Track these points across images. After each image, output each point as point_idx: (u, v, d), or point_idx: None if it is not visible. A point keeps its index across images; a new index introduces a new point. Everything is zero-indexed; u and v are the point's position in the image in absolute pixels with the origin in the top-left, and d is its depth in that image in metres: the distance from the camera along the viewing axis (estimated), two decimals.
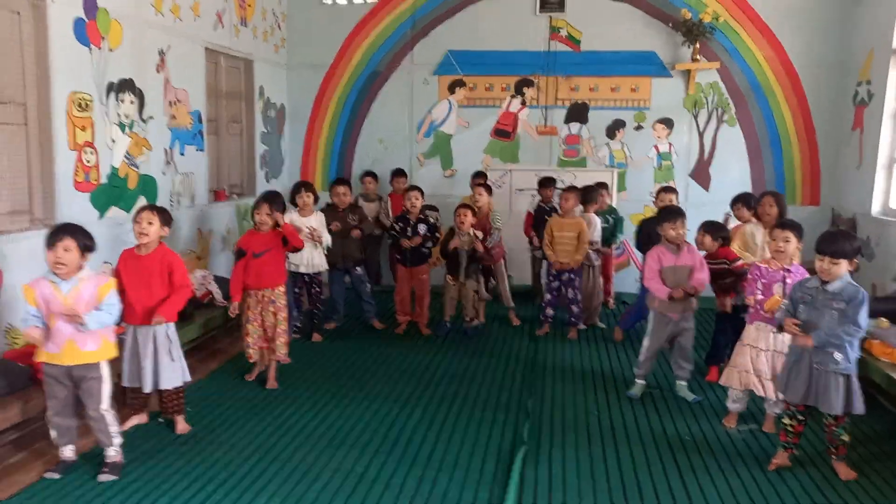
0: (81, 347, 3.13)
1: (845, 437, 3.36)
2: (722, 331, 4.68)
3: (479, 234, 5.51)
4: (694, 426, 3.98)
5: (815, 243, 3.32)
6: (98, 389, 3.19)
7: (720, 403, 4.25)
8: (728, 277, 4.46)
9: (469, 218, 5.46)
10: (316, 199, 5.51)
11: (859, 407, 3.26)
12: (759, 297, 3.79)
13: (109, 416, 3.24)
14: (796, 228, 3.80)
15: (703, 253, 4.48)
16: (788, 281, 3.71)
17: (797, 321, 3.31)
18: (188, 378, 3.73)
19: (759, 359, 3.84)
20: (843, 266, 3.22)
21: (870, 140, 6.07)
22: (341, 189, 5.75)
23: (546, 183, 6.35)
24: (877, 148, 5.90)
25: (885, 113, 5.81)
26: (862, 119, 6.27)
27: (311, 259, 5.34)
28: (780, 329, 3.44)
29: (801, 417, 3.45)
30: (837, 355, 3.22)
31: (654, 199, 5.92)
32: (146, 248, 3.58)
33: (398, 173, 6.98)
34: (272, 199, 4.55)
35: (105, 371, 3.22)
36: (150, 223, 3.55)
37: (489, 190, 6.10)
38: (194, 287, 4.90)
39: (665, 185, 6.22)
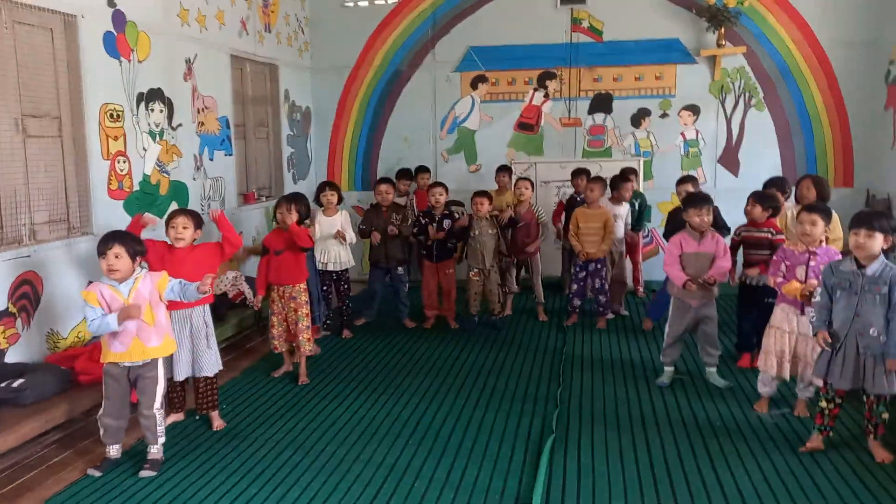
0: (146, 344, 3.29)
1: (885, 415, 3.31)
2: (746, 317, 4.65)
3: (497, 213, 5.56)
4: (725, 411, 3.95)
5: (850, 220, 3.28)
6: (153, 389, 3.33)
7: (751, 388, 4.21)
8: (765, 249, 4.41)
9: (486, 206, 5.50)
10: (340, 198, 5.60)
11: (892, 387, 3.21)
12: (781, 279, 3.75)
13: (159, 416, 3.37)
14: (824, 211, 3.75)
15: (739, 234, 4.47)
16: (812, 264, 3.68)
17: (827, 337, 3.26)
18: (221, 366, 3.85)
19: (782, 340, 3.82)
20: (879, 240, 3.16)
21: None
22: (383, 187, 5.77)
23: (578, 174, 6.32)
24: None
25: None
26: (895, 98, 6.11)
27: (339, 257, 5.43)
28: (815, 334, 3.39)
29: (839, 400, 3.41)
30: (883, 338, 3.18)
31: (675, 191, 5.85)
32: (181, 251, 3.72)
33: (421, 169, 7.02)
34: (292, 199, 4.64)
35: (161, 371, 3.37)
36: (186, 227, 3.69)
37: (532, 185, 6.09)
38: (227, 287, 5.02)
39: (684, 174, 6.11)
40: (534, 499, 2.98)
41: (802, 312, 3.76)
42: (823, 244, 3.77)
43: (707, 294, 4.28)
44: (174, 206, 5.15)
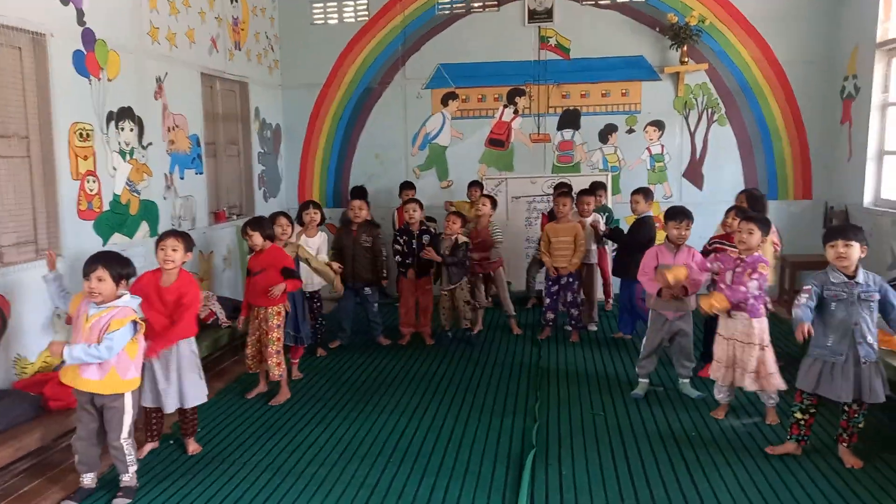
0: (81, 373, 3.13)
1: (861, 424, 3.42)
2: (712, 329, 4.73)
3: (463, 239, 5.58)
4: (699, 422, 4.04)
5: (823, 235, 3.43)
6: (119, 420, 3.22)
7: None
8: None
9: (457, 225, 5.53)
10: (323, 218, 5.59)
11: (887, 389, 3.37)
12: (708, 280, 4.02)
13: (127, 446, 3.27)
14: (762, 222, 3.89)
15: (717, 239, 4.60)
16: (738, 270, 3.84)
17: (810, 329, 3.32)
18: (206, 397, 3.79)
19: (727, 346, 3.95)
20: (857, 249, 3.29)
21: (858, 133, 6.16)
22: (356, 203, 5.71)
23: (560, 188, 6.38)
24: (866, 140, 6.00)
25: (872, 105, 5.91)
26: (850, 113, 6.36)
27: (311, 277, 5.38)
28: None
29: (813, 410, 3.51)
30: (875, 344, 3.31)
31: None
32: (169, 275, 3.63)
33: (406, 186, 6.99)
34: (251, 223, 4.56)
35: (127, 402, 3.24)
36: (175, 249, 3.59)
37: (493, 202, 6.12)
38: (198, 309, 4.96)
39: (639, 187, 5.96)
40: None
41: (729, 315, 3.90)
42: (756, 254, 3.89)
43: (682, 306, 4.37)
44: (145, 226, 5.09)
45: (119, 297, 3.20)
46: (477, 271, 6.05)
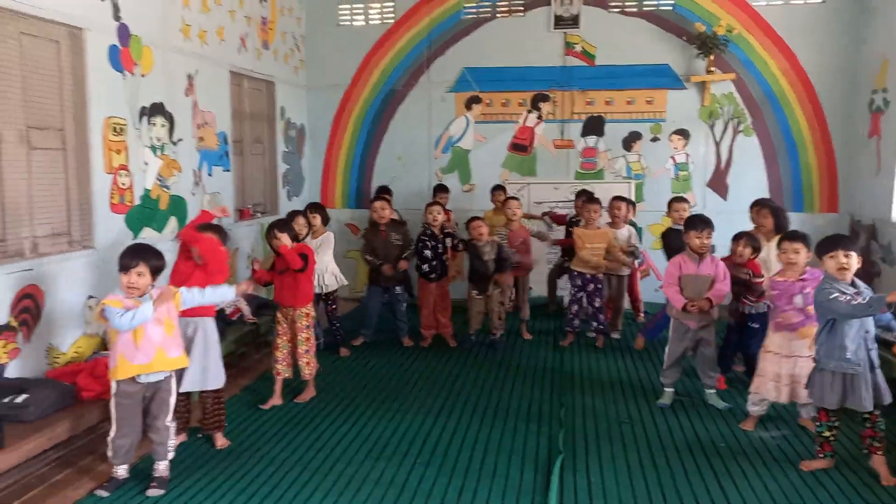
0: (169, 353, 3.26)
1: (883, 427, 3.39)
2: (729, 342, 4.71)
3: (498, 240, 5.60)
4: (727, 432, 4.01)
5: (818, 247, 3.45)
6: (167, 401, 3.30)
7: None
8: (740, 286, 4.48)
9: (486, 229, 5.55)
10: (325, 220, 5.60)
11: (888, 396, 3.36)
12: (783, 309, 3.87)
13: (172, 429, 3.34)
14: (805, 239, 3.86)
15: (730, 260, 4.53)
16: (807, 290, 3.76)
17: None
18: (224, 381, 3.81)
19: (778, 364, 3.89)
20: (855, 259, 3.32)
21: (888, 146, 6.11)
22: (378, 205, 5.72)
23: (581, 195, 6.39)
24: (895, 154, 5.94)
25: None
26: (879, 126, 6.31)
27: (322, 280, 5.38)
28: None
29: (837, 424, 3.50)
30: (873, 353, 3.30)
31: (667, 211, 5.92)
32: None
33: (440, 189, 6.96)
34: (278, 225, 4.48)
35: (173, 383, 3.35)
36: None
37: (520, 203, 6.15)
38: (224, 305, 4.97)
39: (678, 195, 6.15)
40: None
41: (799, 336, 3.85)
42: (810, 269, 3.87)
43: (706, 317, 4.35)
44: (173, 221, 5.12)
45: (152, 287, 3.27)
46: (517, 275, 6.03)
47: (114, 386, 3.22)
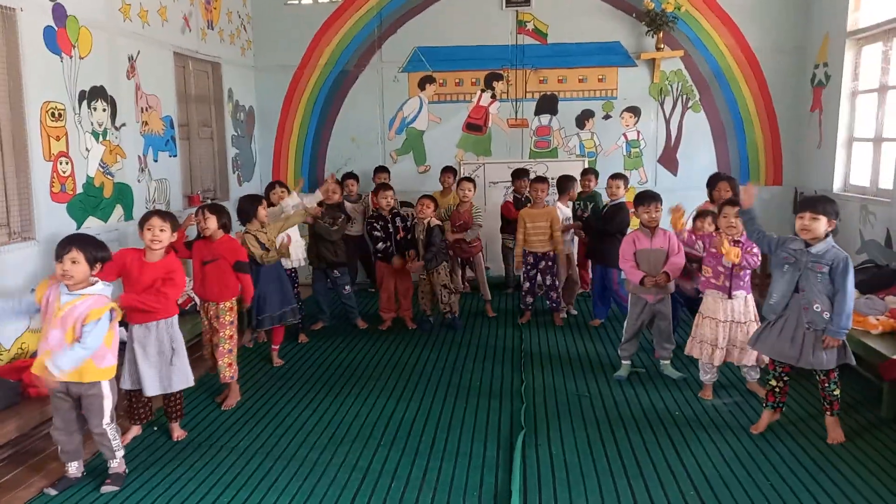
0: (56, 361, 2.96)
1: (837, 392, 3.52)
2: (674, 309, 4.78)
3: (435, 222, 5.59)
4: (682, 401, 4.12)
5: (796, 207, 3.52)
6: (99, 406, 3.13)
7: None
8: (694, 263, 4.61)
9: (430, 209, 5.54)
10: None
11: (850, 357, 3.46)
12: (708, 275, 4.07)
13: (111, 431, 3.20)
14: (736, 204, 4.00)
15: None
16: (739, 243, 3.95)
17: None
18: (192, 382, 3.69)
19: (715, 329, 4.03)
20: (823, 223, 3.38)
21: (829, 120, 6.32)
22: (332, 187, 5.69)
23: (519, 174, 6.46)
24: (836, 127, 6.15)
25: (843, 93, 6.05)
26: (820, 100, 6.51)
27: (297, 253, 5.35)
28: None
29: (786, 378, 3.64)
30: (826, 314, 3.39)
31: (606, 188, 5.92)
32: (153, 255, 3.51)
33: (380, 169, 6.92)
34: (213, 207, 4.20)
35: (105, 387, 3.15)
36: (163, 230, 3.47)
37: (474, 185, 6.14)
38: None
39: (618, 172, 5.99)
40: (512, 493, 3.03)
41: (730, 296, 3.98)
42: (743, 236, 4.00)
43: (662, 290, 4.44)
44: (119, 209, 4.96)
45: (91, 283, 3.10)
46: (457, 255, 6.07)
47: None
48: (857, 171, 6.05)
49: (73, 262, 3.02)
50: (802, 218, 3.43)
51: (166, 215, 3.58)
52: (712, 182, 5.34)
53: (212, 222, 4.13)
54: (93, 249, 3.07)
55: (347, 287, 5.80)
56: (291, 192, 5.56)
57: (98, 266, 3.11)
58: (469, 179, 6.13)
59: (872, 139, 5.75)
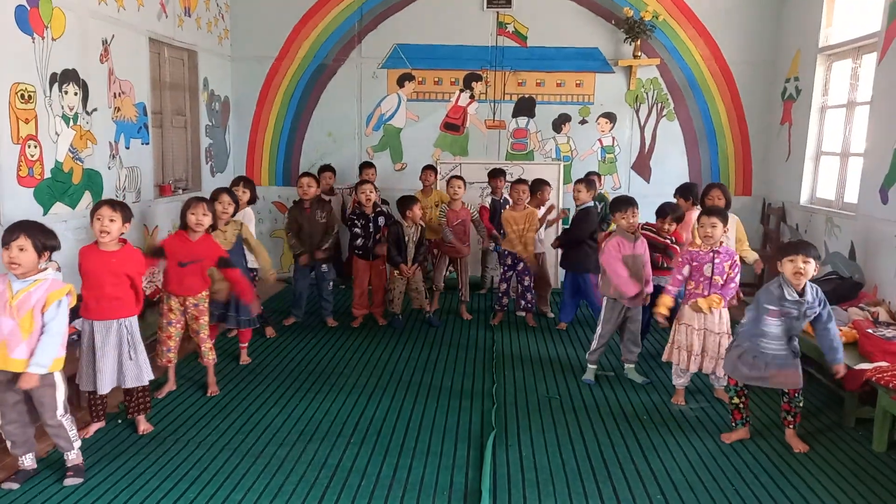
0: (9, 353, 2.91)
1: (801, 404, 3.62)
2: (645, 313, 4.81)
3: (423, 225, 5.63)
4: (649, 405, 4.18)
5: (781, 248, 3.58)
6: (52, 397, 3.03)
7: (671, 383, 4.47)
8: (658, 252, 4.69)
9: (419, 213, 5.57)
10: (253, 198, 5.44)
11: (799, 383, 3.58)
12: (681, 278, 4.10)
13: (67, 422, 3.11)
14: (722, 214, 4.07)
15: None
16: (717, 261, 3.99)
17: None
18: (151, 376, 3.62)
19: (692, 336, 4.09)
20: (813, 266, 3.40)
21: (798, 133, 6.46)
22: (305, 180, 5.63)
23: (496, 174, 6.47)
24: (804, 141, 6.29)
25: (812, 108, 6.19)
26: (790, 113, 6.66)
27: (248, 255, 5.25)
28: None
29: (746, 392, 3.70)
30: (796, 341, 3.51)
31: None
32: (106, 246, 3.41)
33: (366, 165, 6.87)
34: (209, 202, 4.22)
35: (57, 377, 3.06)
36: (112, 220, 3.36)
37: (464, 182, 6.14)
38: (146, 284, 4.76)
39: (582, 177, 5.96)
40: (482, 493, 3.04)
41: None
42: (723, 244, 4.07)
43: (641, 299, 4.49)
44: (88, 196, 4.84)
45: (41, 270, 3.01)
46: (446, 254, 6.04)
47: None
48: (823, 184, 6.21)
49: (21, 250, 2.91)
50: (794, 261, 3.38)
51: (117, 205, 3.45)
52: (706, 190, 5.32)
53: (208, 220, 4.12)
54: (41, 237, 2.97)
55: (330, 284, 5.76)
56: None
57: (46, 254, 3.01)
58: (459, 177, 6.10)
59: (839, 153, 5.90)
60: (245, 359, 4.84)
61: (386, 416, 3.93)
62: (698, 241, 4.39)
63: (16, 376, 2.96)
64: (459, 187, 5.95)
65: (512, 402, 4.18)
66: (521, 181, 5.87)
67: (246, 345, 4.88)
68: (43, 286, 2.97)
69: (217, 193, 4.73)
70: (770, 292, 3.49)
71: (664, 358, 4.29)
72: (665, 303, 4.09)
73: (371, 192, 5.65)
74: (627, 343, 4.62)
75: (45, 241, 2.99)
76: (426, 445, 3.55)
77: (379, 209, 5.72)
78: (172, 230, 6.07)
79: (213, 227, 4.28)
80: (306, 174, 5.79)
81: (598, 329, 4.60)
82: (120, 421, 3.74)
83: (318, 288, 5.77)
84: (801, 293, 3.43)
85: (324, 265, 5.68)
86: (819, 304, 3.46)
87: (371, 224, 5.60)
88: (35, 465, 3.17)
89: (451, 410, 4.02)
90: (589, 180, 5.68)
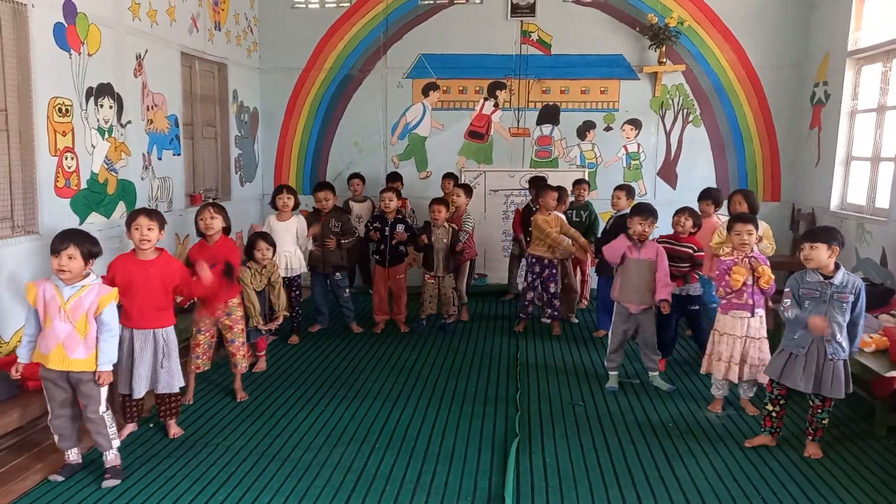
0: (69, 353, 3.11)
1: (826, 421, 3.56)
2: (667, 325, 4.77)
3: (455, 227, 5.68)
4: (675, 413, 4.15)
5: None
6: (97, 391, 3.18)
7: (696, 390, 4.45)
8: (685, 263, 4.65)
9: (443, 213, 5.60)
10: (297, 203, 5.57)
11: (849, 387, 3.50)
12: (725, 290, 3.99)
13: (108, 418, 3.23)
14: (754, 221, 4.02)
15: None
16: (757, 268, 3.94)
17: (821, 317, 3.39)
18: (182, 384, 3.71)
19: (732, 345, 4.03)
20: (822, 250, 3.40)
21: (827, 138, 6.38)
22: (321, 194, 5.74)
23: (580, 182, 6.45)
24: (834, 146, 6.21)
25: (842, 112, 6.11)
26: (819, 118, 6.58)
27: (290, 263, 5.36)
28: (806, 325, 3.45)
29: (783, 402, 3.65)
30: (846, 344, 3.44)
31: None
32: (145, 254, 3.53)
33: (392, 177, 6.93)
34: (221, 207, 4.29)
35: None
36: (150, 229, 3.49)
37: (469, 191, 6.21)
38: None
39: (622, 184, 6.02)
40: (505, 499, 3.06)
41: (752, 314, 3.99)
42: (755, 249, 4.03)
43: (645, 300, 4.46)
44: (122, 206, 4.99)
45: (86, 276, 3.16)
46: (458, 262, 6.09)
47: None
48: (854, 189, 6.11)
49: (70, 258, 3.08)
50: (802, 249, 3.48)
51: (153, 213, 3.57)
52: (729, 197, 5.26)
53: (217, 222, 4.19)
54: (89, 245, 3.15)
55: (347, 291, 5.84)
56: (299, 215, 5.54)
57: (92, 261, 3.18)
58: (462, 186, 6.16)
59: (870, 158, 5.81)
60: (261, 366, 4.87)
61: (411, 421, 3.97)
62: (726, 248, 4.36)
63: (67, 374, 3.12)
64: (458, 196, 6.03)
65: (536, 408, 4.19)
66: (551, 187, 5.85)
67: (263, 353, 4.93)
68: (93, 291, 3.15)
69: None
70: (794, 277, 3.55)
71: (703, 370, 4.22)
72: (740, 272, 3.90)
73: (391, 199, 5.72)
74: (645, 350, 4.59)
75: (91, 248, 3.17)
76: (450, 451, 3.58)
77: (400, 216, 5.79)
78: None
79: (227, 229, 4.33)
80: (322, 186, 5.86)
81: (609, 334, 4.61)
82: (151, 425, 3.84)
83: (335, 296, 5.85)
84: (829, 277, 3.42)
85: (337, 273, 5.74)
86: (852, 293, 3.42)
87: (387, 229, 5.67)
88: (80, 460, 3.30)
89: (475, 416, 4.05)
90: (629, 187, 5.72)
